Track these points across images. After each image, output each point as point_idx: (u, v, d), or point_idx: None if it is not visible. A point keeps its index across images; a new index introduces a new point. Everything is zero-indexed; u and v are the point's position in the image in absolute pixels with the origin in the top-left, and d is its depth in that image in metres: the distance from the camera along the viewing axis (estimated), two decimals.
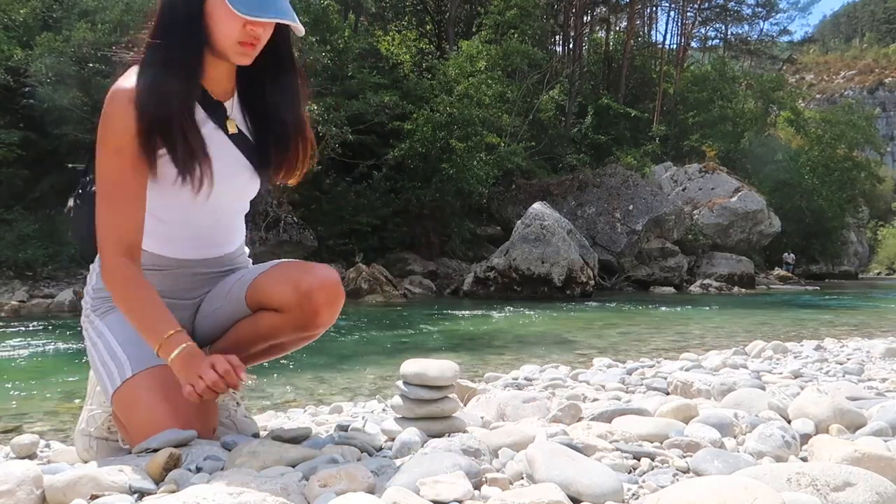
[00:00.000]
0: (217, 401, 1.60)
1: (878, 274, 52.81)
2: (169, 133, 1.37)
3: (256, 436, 1.70)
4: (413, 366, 1.50)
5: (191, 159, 1.40)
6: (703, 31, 40.52)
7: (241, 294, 1.54)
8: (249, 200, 1.64)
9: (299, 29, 1.39)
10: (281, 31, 1.45)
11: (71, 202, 1.63)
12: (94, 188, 1.55)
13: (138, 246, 1.42)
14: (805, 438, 1.39)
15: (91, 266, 1.58)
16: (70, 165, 1.71)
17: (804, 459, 1.30)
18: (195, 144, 1.41)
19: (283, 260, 1.58)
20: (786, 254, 27.95)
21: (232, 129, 1.50)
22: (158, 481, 1.13)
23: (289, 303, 1.45)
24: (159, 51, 1.38)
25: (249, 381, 1.38)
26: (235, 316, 1.56)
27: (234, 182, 1.52)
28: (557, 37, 31.42)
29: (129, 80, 1.38)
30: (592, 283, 13.85)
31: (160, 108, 1.36)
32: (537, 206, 14.20)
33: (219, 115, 1.49)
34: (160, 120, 1.36)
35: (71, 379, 3.99)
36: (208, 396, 1.30)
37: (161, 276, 1.54)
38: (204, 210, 1.51)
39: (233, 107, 1.52)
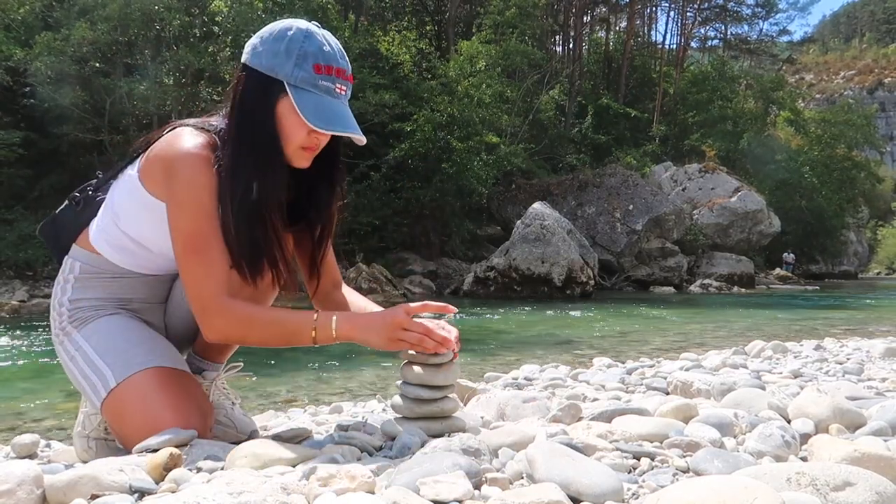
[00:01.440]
0: (212, 399, 1.60)
1: (878, 274, 52.83)
2: (256, 226, 1.41)
3: (255, 434, 1.70)
4: (413, 366, 1.50)
5: (262, 260, 1.44)
6: (702, 31, 40.56)
7: None
8: None
9: (361, 140, 1.44)
10: (336, 137, 1.49)
11: (68, 202, 1.64)
12: (100, 196, 1.58)
13: (229, 283, 1.42)
14: (805, 438, 1.39)
15: (59, 277, 1.58)
16: (98, 173, 1.71)
17: (804, 459, 1.30)
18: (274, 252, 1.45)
19: None
20: (786, 253, 27.95)
21: None
22: (159, 481, 1.13)
23: None
24: (243, 149, 1.40)
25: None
26: None
27: None
28: (557, 37, 31.44)
29: (192, 141, 1.40)
30: (592, 282, 13.85)
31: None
32: (537, 206, 14.20)
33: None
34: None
35: None
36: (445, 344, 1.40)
37: (138, 283, 1.57)
38: None
39: None
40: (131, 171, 1.49)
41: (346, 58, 1.46)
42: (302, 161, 1.45)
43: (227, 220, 1.38)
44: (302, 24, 1.43)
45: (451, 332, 1.46)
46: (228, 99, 1.46)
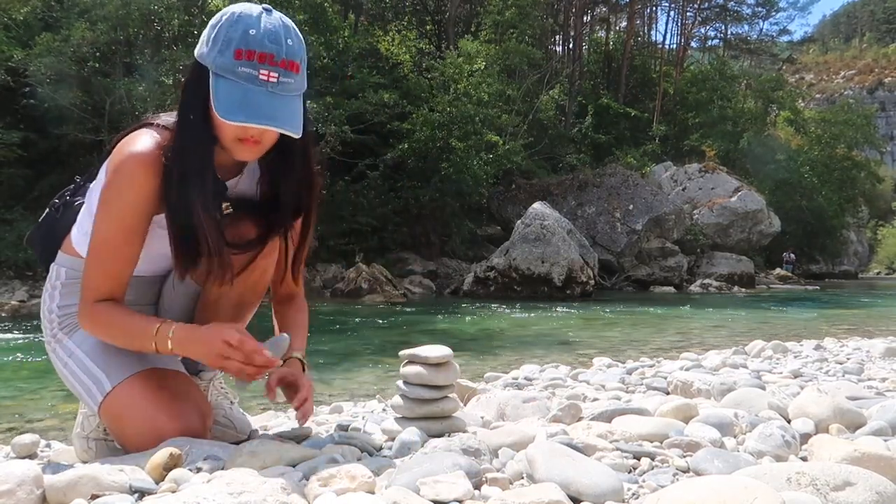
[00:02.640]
0: (210, 400, 1.60)
1: (878, 274, 52.80)
2: (187, 216, 1.37)
3: (255, 433, 1.70)
4: (413, 365, 1.50)
5: (196, 250, 1.40)
6: (702, 30, 40.53)
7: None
8: None
9: (294, 134, 1.33)
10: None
11: (48, 209, 1.63)
12: (79, 200, 1.58)
13: (120, 296, 1.44)
14: (805, 438, 1.39)
15: (47, 284, 1.58)
16: (77, 177, 1.69)
17: (804, 459, 1.30)
18: (209, 238, 1.39)
19: None
20: (786, 253, 27.93)
21: (225, 210, 1.48)
22: (159, 481, 1.13)
23: None
24: (180, 132, 1.38)
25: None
26: (186, 300, 1.56)
27: None
28: (557, 36, 31.43)
29: (144, 145, 1.37)
30: (592, 282, 13.84)
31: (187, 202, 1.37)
32: (537, 206, 14.20)
33: (217, 195, 1.45)
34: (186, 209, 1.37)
35: None
36: (254, 373, 1.36)
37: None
38: None
39: (237, 184, 1.51)
40: (101, 175, 1.48)
41: (284, 42, 1.32)
42: (243, 153, 1.38)
43: (169, 209, 1.37)
44: (239, 7, 1.35)
45: (280, 349, 1.44)
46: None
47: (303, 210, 1.54)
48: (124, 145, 1.39)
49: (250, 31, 1.30)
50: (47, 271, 1.61)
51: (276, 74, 1.31)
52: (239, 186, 1.51)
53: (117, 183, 1.36)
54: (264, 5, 1.39)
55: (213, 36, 1.33)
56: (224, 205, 1.46)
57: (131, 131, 1.45)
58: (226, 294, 1.50)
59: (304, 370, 1.56)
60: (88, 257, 1.41)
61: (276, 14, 1.35)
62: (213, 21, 1.36)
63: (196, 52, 1.37)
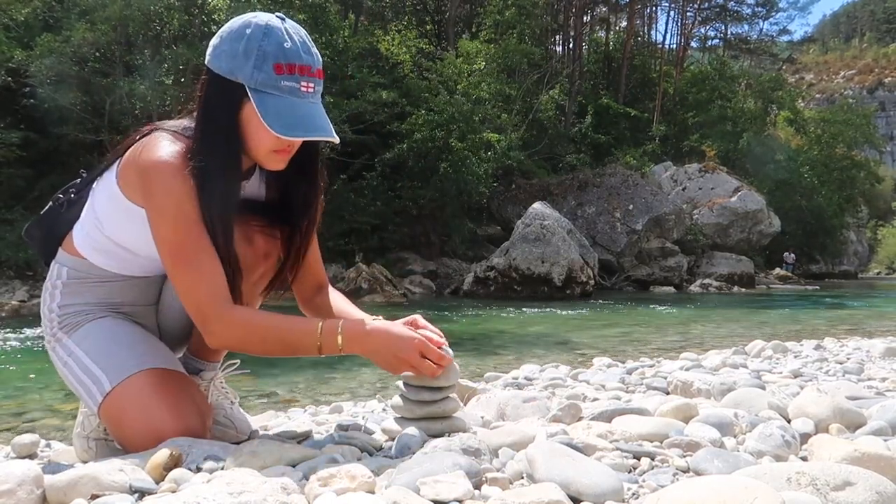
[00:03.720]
0: (211, 400, 1.60)
1: (878, 273, 52.83)
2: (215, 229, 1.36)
3: (255, 433, 1.70)
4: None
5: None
6: (702, 30, 40.54)
7: None
8: None
9: (334, 141, 1.37)
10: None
11: (52, 203, 1.60)
12: (83, 197, 1.55)
13: (230, 291, 1.38)
14: (805, 438, 1.39)
15: (47, 283, 1.56)
16: (82, 172, 1.67)
17: (804, 459, 1.30)
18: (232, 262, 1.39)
19: None
20: (786, 253, 27.93)
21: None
22: (159, 481, 1.13)
23: None
24: (202, 153, 1.36)
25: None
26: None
27: None
28: (557, 36, 31.44)
29: (172, 151, 1.35)
30: (592, 282, 13.85)
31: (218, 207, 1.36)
32: (537, 206, 14.20)
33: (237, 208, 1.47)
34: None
35: None
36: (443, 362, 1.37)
37: (127, 286, 1.55)
38: None
39: (245, 186, 1.51)
40: (110, 177, 1.45)
41: (313, 51, 1.37)
42: (276, 164, 1.41)
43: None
44: (262, 18, 1.35)
45: (448, 353, 1.43)
46: (195, 102, 1.41)
47: (311, 210, 1.56)
48: (149, 150, 1.36)
49: (285, 45, 1.32)
50: (47, 266, 1.59)
51: (313, 85, 1.35)
52: (247, 191, 1.52)
53: (161, 186, 1.32)
54: (277, 14, 1.39)
55: (242, 50, 1.31)
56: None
57: (141, 136, 1.43)
58: None
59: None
60: (177, 272, 1.34)
61: (291, 22, 1.37)
62: (231, 33, 1.34)
63: (214, 64, 1.35)
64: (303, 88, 1.33)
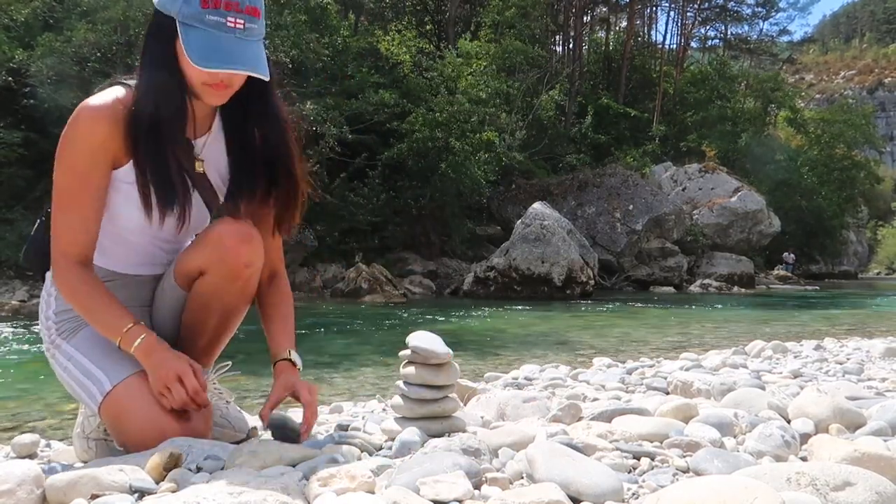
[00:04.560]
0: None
1: (878, 274, 52.81)
2: (160, 159, 1.41)
3: (253, 431, 1.70)
4: (413, 365, 1.50)
5: (172, 193, 1.43)
6: (702, 31, 40.54)
7: (171, 278, 1.55)
8: None
9: (261, 76, 1.38)
10: (254, 77, 1.42)
11: (39, 220, 1.61)
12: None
13: (91, 256, 1.46)
14: (805, 438, 1.39)
15: (43, 293, 1.58)
16: None
17: (804, 459, 1.30)
18: (179, 179, 1.44)
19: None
20: (786, 253, 27.92)
21: (198, 169, 1.52)
22: (159, 481, 1.13)
23: (208, 258, 1.47)
24: (147, 79, 1.41)
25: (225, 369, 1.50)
26: (174, 304, 1.57)
27: (198, 222, 1.56)
28: (557, 36, 31.42)
29: (101, 98, 1.41)
30: (592, 282, 13.84)
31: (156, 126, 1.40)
32: (537, 206, 14.20)
33: (188, 154, 1.49)
34: (153, 140, 1.40)
35: None
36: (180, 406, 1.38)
37: (113, 286, 1.54)
38: (158, 244, 1.56)
39: (206, 143, 1.53)
40: None
41: None
42: (211, 98, 1.42)
43: (138, 156, 1.40)
44: None
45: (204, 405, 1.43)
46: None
47: (282, 150, 1.55)
48: (83, 102, 1.42)
49: None
50: (41, 278, 1.61)
51: (242, 21, 1.35)
52: (208, 149, 1.53)
53: (70, 135, 1.40)
54: None
55: None
56: (197, 161, 1.50)
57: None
58: (216, 297, 1.50)
59: (298, 371, 1.54)
60: (53, 211, 1.44)
61: None
62: None
63: (156, 2, 1.40)
64: (229, 23, 1.34)
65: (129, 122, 1.39)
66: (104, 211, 1.46)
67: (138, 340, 1.39)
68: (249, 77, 1.40)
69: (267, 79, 1.39)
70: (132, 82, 1.45)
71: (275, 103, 1.53)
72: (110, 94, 1.42)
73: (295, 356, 1.54)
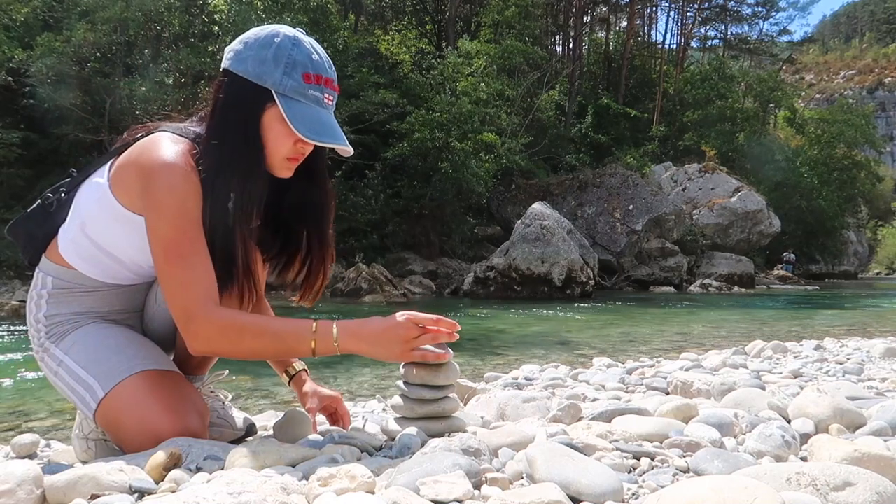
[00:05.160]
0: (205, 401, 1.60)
1: (878, 274, 52.84)
2: (228, 243, 1.37)
3: (253, 429, 1.70)
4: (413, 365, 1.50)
5: (231, 280, 1.39)
6: (702, 31, 40.56)
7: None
8: None
9: (347, 151, 1.41)
10: (318, 149, 1.47)
11: (40, 201, 1.56)
12: (66, 194, 1.52)
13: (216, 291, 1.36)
14: (805, 438, 1.39)
15: (32, 292, 1.54)
16: (72, 171, 1.64)
17: (804, 459, 1.30)
18: (244, 267, 1.41)
19: None
20: (786, 253, 27.92)
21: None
22: (158, 481, 1.13)
23: None
24: (229, 153, 1.36)
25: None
26: (167, 314, 1.52)
27: None
28: (557, 36, 31.45)
29: (177, 150, 1.35)
30: (592, 282, 13.84)
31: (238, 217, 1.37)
32: (537, 206, 14.20)
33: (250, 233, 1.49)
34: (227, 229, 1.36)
35: None
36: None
37: (113, 294, 1.53)
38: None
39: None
40: (99, 179, 1.43)
41: (333, 67, 1.43)
42: (285, 171, 1.43)
43: (214, 232, 1.34)
44: (289, 30, 1.39)
45: (455, 326, 1.44)
46: (208, 105, 1.41)
47: (327, 217, 1.60)
48: (151, 149, 1.34)
49: (313, 56, 1.37)
50: (31, 267, 1.57)
51: (332, 97, 1.42)
52: None
53: (165, 184, 1.31)
54: (299, 29, 1.42)
55: (271, 56, 1.34)
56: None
57: (138, 134, 1.43)
58: None
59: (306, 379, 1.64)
60: (170, 269, 1.32)
61: (311, 39, 1.43)
62: (259, 40, 1.36)
63: (238, 68, 1.36)
64: (325, 99, 1.39)
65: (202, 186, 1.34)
66: None
67: (334, 328, 1.35)
68: (308, 159, 1.46)
69: (351, 153, 1.43)
70: (173, 126, 1.42)
71: (326, 173, 1.57)
72: (177, 147, 1.35)
73: (302, 365, 1.60)
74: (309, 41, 1.39)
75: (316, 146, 1.43)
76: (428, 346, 1.39)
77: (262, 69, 1.35)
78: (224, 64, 1.39)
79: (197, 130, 1.42)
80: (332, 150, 1.44)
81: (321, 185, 1.56)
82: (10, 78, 13.63)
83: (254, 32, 1.39)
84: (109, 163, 1.44)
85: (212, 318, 1.31)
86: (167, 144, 1.36)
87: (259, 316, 1.40)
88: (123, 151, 1.42)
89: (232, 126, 1.37)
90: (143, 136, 1.41)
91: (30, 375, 4.17)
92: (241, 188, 1.36)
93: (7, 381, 3.96)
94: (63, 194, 1.54)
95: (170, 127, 1.43)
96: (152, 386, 1.40)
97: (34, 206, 1.57)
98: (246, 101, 1.36)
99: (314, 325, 1.35)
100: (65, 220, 1.50)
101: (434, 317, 1.40)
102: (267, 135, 1.37)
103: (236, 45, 1.39)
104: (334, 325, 1.36)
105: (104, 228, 1.43)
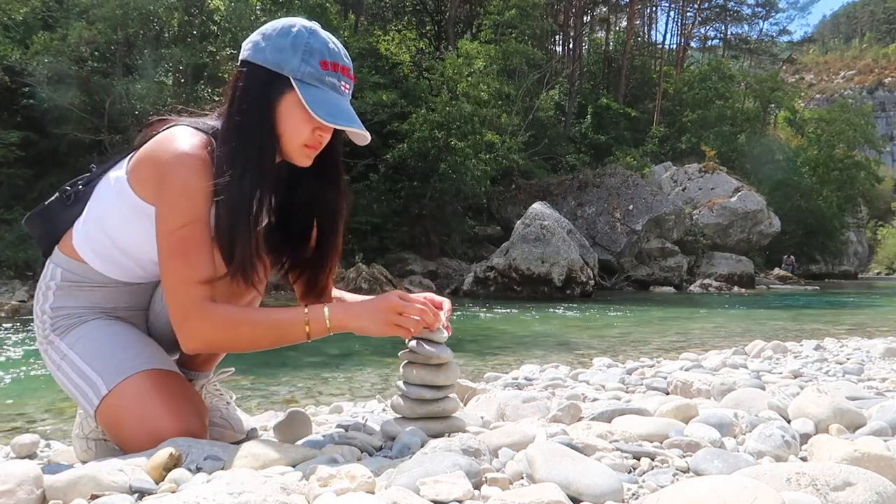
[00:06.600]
0: (206, 401, 1.60)
1: (878, 274, 52.81)
2: (243, 237, 1.36)
3: (253, 432, 1.70)
4: (413, 365, 1.50)
5: (248, 273, 1.38)
6: (702, 31, 40.58)
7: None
8: None
9: (366, 137, 1.43)
10: (336, 137, 1.49)
11: (58, 194, 1.57)
12: (91, 192, 1.52)
13: (214, 291, 1.37)
14: (805, 438, 1.39)
15: (41, 283, 1.54)
16: (92, 166, 1.64)
17: (804, 459, 1.30)
18: (253, 255, 1.39)
19: None
20: (786, 256, 27.91)
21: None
22: (158, 481, 1.13)
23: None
24: (235, 146, 1.36)
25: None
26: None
27: None
28: (557, 37, 31.45)
29: (193, 143, 1.36)
30: (592, 282, 13.84)
31: (237, 211, 1.35)
32: (537, 206, 14.20)
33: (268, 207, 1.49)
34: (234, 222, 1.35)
35: None
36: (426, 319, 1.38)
37: (121, 291, 1.53)
38: None
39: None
40: (118, 173, 1.44)
41: (349, 57, 1.46)
42: (304, 159, 1.44)
43: (220, 217, 1.34)
44: (306, 22, 1.42)
45: (445, 303, 1.46)
46: (226, 97, 1.43)
47: (340, 215, 1.59)
48: (168, 143, 1.36)
49: (329, 45, 1.40)
50: (46, 258, 1.57)
51: (348, 86, 1.44)
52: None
53: (178, 178, 1.32)
54: (314, 22, 1.45)
55: (289, 44, 1.37)
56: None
57: (158, 129, 1.43)
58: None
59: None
60: (171, 264, 1.33)
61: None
62: (276, 30, 1.39)
63: (257, 57, 1.38)
64: (342, 87, 1.42)
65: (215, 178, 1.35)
66: None
67: (326, 312, 1.36)
68: (326, 149, 1.46)
69: (368, 140, 1.44)
70: (191, 121, 1.43)
71: (341, 171, 1.58)
72: (194, 141, 1.37)
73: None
74: (325, 32, 1.43)
75: (331, 142, 1.45)
76: (425, 345, 1.41)
77: (280, 57, 1.37)
78: (242, 55, 1.41)
79: (216, 125, 1.43)
80: (347, 141, 1.45)
81: (335, 183, 1.57)
82: (8, 78, 13.62)
83: (271, 25, 1.41)
84: (129, 157, 1.45)
85: (207, 316, 1.33)
86: (183, 138, 1.37)
87: (252, 308, 1.43)
88: (143, 143, 1.43)
89: (247, 113, 1.38)
90: (163, 130, 1.42)
91: (30, 375, 4.17)
92: (253, 177, 1.36)
93: (7, 382, 3.96)
94: (81, 187, 1.55)
95: (188, 121, 1.44)
96: (155, 385, 1.40)
97: (52, 198, 1.58)
98: (264, 88, 1.38)
99: (306, 309, 1.38)
100: (81, 213, 1.51)
101: (423, 295, 1.42)
102: (286, 122, 1.38)
103: (255, 36, 1.41)
104: (325, 307, 1.38)
105: (121, 222, 1.43)
